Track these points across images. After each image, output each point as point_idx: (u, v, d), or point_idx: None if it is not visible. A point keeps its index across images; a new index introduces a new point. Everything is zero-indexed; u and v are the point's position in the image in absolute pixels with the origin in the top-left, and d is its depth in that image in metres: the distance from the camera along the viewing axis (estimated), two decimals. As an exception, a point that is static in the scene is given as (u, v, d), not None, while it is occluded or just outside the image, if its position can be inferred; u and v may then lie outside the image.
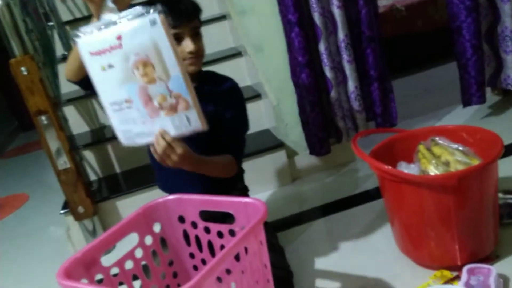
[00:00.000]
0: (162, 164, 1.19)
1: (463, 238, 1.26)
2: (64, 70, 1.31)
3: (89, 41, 1.09)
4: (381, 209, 1.66)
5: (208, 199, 1.20)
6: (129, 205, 1.97)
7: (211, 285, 0.93)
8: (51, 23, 2.43)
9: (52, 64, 2.15)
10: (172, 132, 1.12)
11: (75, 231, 1.90)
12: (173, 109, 1.10)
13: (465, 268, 1.23)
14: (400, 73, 2.55)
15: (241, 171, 1.54)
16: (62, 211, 1.91)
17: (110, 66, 1.09)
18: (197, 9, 1.33)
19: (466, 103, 2.11)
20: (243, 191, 1.54)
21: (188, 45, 1.27)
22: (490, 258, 1.30)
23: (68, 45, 2.49)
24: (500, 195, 1.51)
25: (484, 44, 2.07)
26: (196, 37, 1.31)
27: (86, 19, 2.52)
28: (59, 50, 2.44)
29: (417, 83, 2.72)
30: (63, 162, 1.78)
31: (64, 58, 2.38)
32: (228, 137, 1.38)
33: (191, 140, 1.18)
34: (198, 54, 1.31)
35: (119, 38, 1.05)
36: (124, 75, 1.09)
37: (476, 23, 1.97)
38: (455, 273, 1.27)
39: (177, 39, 1.26)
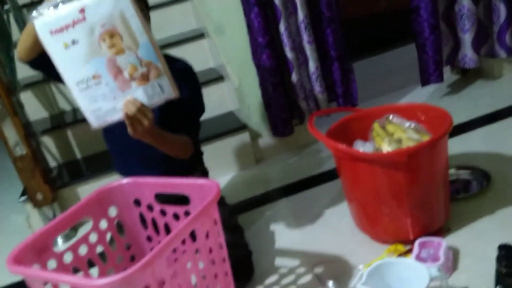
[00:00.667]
0: (121, 146, 1.18)
1: (415, 213, 1.30)
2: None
3: (48, 20, 1.06)
4: (340, 189, 1.69)
5: (163, 182, 1.19)
6: (90, 191, 1.93)
7: (164, 265, 0.93)
8: (6, 6, 2.35)
9: (8, 48, 2.08)
10: (146, 102, 1.10)
11: (35, 219, 1.87)
12: (145, 78, 1.08)
13: (416, 242, 1.26)
14: (361, 54, 2.57)
15: (199, 154, 1.53)
16: (20, 199, 1.87)
17: (74, 42, 1.06)
18: None
19: (425, 82, 2.15)
20: (203, 174, 1.54)
21: None
22: (442, 232, 1.34)
23: (25, 28, 2.42)
24: (453, 171, 1.56)
25: (442, 23, 2.10)
26: None
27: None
28: (15, 34, 2.37)
29: (378, 64, 2.74)
30: (19, 148, 1.74)
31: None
32: (182, 118, 1.36)
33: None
34: None
35: (82, 11, 1.03)
36: (90, 50, 1.07)
37: (433, 2, 2.00)
38: (408, 247, 1.30)
39: None
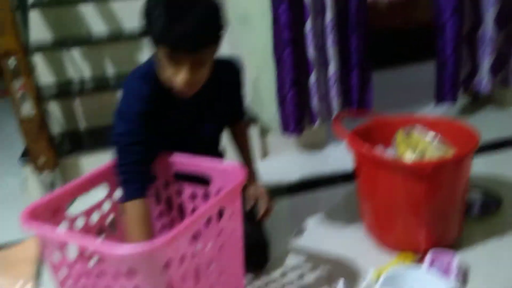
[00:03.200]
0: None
1: (430, 226, 1.29)
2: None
3: None
4: (348, 193, 1.69)
5: (185, 160, 1.16)
6: (92, 163, 1.89)
7: (186, 242, 0.91)
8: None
9: (24, 10, 2.03)
10: None
11: (32, 182, 1.82)
12: None
13: (429, 252, 1.26)
14: (378, 67, 2.57)
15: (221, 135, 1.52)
16: (20, 159, 1.81)
17: None
18: (208, 36, 1.02)
19: (439, 100, 2.15)
20: (221, 155, 1.51)
21: (181, 74, 1.03)
22: (453, 248, 1.33)
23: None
24: (466, 189, 1.56)
25: (463, 45, 2.11)
26: (202, 66, 1.05)
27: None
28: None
29: (393, 78, 2.75)
30: (28, 110, 1.69)
31: (34, 5, 2.26)
32: (240, 107, 1.41)
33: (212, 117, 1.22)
34: (193, 86, 1.08)
35: None
36: None
37: (459, 23, 2.01)
38: (418, 258, 1.29)
39: (176, 62, 1.03)
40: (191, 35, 0.98)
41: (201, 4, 1.00)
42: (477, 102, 2.39)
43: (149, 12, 1.01)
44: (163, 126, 1.15)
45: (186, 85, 1.05)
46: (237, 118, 1.43)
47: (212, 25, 1.02)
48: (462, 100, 2.41)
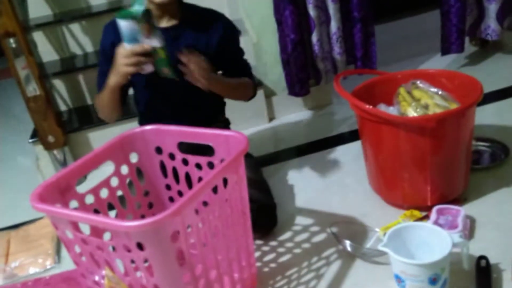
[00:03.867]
0: (159, 97, 1.32)
1: (436, 181, 1.30)
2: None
3: None
4: (354, 152, 1.69)
5: (188, 131, 1.17)
6: (100, 138, 1.92)
7: (189, 215, 0.93)
8: None
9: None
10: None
11: (44, 161, 1.86)
12: None
13: (434, 208, 1.27)
14: (381, 18, 2.51)
15: (222, 103, 1.52)
16: (30, 140, 1.85)
17: None
18: None
19: (445, 51, 2.11)
20: (226, 124, 1.53)
21: None
22: (459, 201, 1.34)
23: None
24: (472, 141, 1.55)
25: (468, -9, 2.05)
26: None
27: None
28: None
29: (396, 30, 2.69)
30: (33, 89, 1.71)
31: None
32: (238, 64, 1.45)
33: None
34: None
35: None
36: None
37: (463, -31, 1.94)
38: (424, 213, 1.31)
39: None
40: None
41: None
42: (485, 49, 2.33)
43: None
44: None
45: None
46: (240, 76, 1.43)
47: None
48: (470, 48, 2.36)
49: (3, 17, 1.61)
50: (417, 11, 2.69)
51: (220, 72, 1.42)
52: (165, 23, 1.34)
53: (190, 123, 1.19)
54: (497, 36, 2.11)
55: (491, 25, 2.09)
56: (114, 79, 1.24)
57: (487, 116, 1.77)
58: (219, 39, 1.37)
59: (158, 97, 1.41)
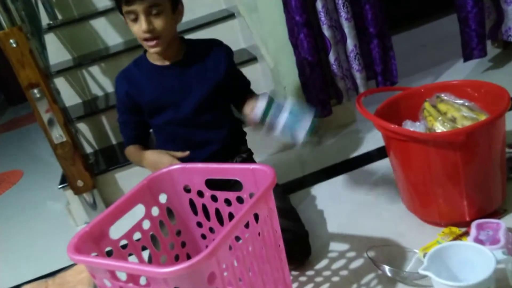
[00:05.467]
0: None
1: (471, 194, 1.26)
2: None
3: None
4: (384, 170, 1.66)
5: (214, 167, 1.17)
6: (128, 177, 1.94)
7: (224, 255, 0.92)
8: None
9: (39, 34, 2.07)
10: None
11: (75, 205, 1.88)
12: None
13: (474, 224, 1.22)
14: (396, 28, 2.49)
15: (243, 134, 1.53)
16: (60, 186, 1.88)
17: None
18: None
19: (467, 57, 2.07)
20: (249, 155, 1.52)
21: (141, 24, 1.26)
22: (498, 213, 1.30)
23: (53, 13, 2.41)
24: (506, 149, 1.51)
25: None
26: (156, 15, 1.26)
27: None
28: (44, 19, 2.36)
29: (414, 38, 2.66)
30: (59, 135, 1.74)
31: (50, 28, 2.30)
32: (242, 80, 1.50)
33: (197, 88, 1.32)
34: (154, 34, 1.27)
35: None
36: None
37: (476, -26, 1.91)
38: (463, 229, 1.26)
39: (135, 19, 1.27)
40: None
41: None
42: (509, 50, 2.28)
43: None
44: (147, 102, 1.39)
45: (148, 32, 1.26)
46: (244, 93, 1.46)
47: None
48: (493, 51, 2.31)
49: (26, 69, 1.65)
50: (433, 17, 2.65)
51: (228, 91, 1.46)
52: (170, 61, 1.38)
53: (213, 159, 1.18)
54: (519, 37, 2.06)
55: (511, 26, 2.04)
56: (147, 166, 1.39)
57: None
58: (224, 65, 1.41)
59: (178, 138, 1.43)
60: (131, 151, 1.46)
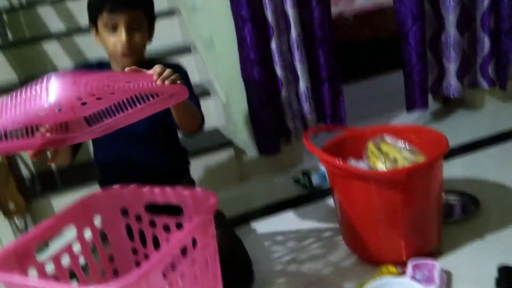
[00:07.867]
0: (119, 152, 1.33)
1: (409, 235, 1.28)
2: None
3: None
4: (327, 209, 1.67)
5: (154, 190, 1.14)
6: (64, 203, 1.83)
7: (160, 277, 0.88)
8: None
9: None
10: None
11: (4, 229, 1.76)
12: None
13: (410, 263, 1.24)
14: (349, 78, 2.59)
15: (186, 163, 1.51)
16: (-9, 207, 1.76)
17: None
18: (139, 1, 1.28)
19: (410, 107, 2.17)
20: (192, 184, 1.49)
21: (120, 36, 1.25)
22: (434, 254, 1.32)
23: (5, 32, 2.34)
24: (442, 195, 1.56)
25: (428, 51, 2.14)
26: (136, 30, 1.27)
27: (23, 8, 2.39)
28: None
29: (363, 90, 2.77)
30: (-6, 155, 1.65)
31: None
32: (194, 99, 1.40)
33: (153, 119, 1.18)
34: (131, 49, 1.27)
35: None
36: None
37: (421, 30, 2.04)
38: (400, 269, 1.27)
39: (113, 29, 1.26)
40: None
41: None
42: (449, 105, 2.42)
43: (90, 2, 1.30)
44: None
45: (127, 44, 1.25)
46: None
47: None
48: (434, 105, 2.43)
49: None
50: (384, 70, 2.79)
51: None
52: None
53: (153, 183, 1.15)
54: (458, 94, 2.19)
55: (452, 83, 2.17)
56: None
57: (455, 170, 1.79)
58: (183, 82, 1.37)
59: (121, 159, 1.38)
60: None
